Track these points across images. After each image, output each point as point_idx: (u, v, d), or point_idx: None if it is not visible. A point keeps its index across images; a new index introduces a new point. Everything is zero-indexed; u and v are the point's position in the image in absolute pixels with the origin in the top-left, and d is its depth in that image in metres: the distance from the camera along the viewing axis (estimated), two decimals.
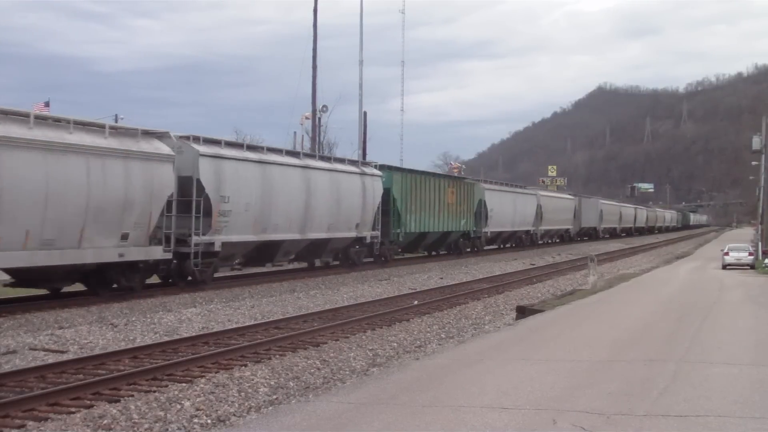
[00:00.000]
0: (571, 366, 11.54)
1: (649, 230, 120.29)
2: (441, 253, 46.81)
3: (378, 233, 36.15)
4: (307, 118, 51.50)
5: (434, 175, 47.41)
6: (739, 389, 9.95)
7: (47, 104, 43.26)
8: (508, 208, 54.90)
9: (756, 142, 50.05)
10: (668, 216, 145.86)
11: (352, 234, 34.04)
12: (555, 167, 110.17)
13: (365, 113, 52.40)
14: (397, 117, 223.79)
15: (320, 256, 34.58)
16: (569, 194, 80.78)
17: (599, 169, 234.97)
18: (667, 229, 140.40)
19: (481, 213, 48.94)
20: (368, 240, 35.41)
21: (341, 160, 35.21)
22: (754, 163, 57.73)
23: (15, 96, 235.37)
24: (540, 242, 64.70)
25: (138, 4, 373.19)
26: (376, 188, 35.60)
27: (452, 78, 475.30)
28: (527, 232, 60.76)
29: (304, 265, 35.02)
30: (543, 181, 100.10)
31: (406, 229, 39.01)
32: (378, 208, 35.87)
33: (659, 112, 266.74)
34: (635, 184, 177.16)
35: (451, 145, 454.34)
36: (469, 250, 48.24)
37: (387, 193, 36.87)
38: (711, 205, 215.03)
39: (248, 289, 25.16)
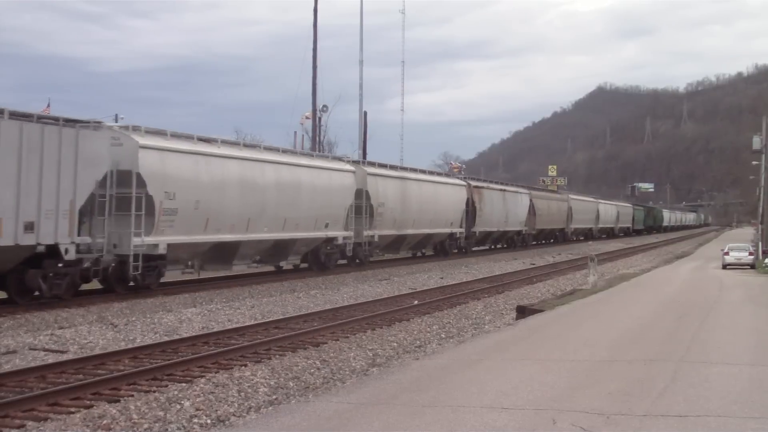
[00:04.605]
0: (571, 366, 11.54)
1: (551, 236, 68.93)
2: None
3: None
4: (307, 117, 51.52)
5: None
6: (738, 389, 9.95)
7: (47, 105, 43.18)
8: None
9: (756, 142, 50.15)
10: (611, 212, 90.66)
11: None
12: (555, 167, 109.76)
13: (365, 113, 52.52)
14: (395, 117, 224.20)
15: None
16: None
17: (599, 169, 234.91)
18: (612, 234, 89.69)
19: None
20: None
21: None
22: (754, 162, 57.84)
23: (13, 96, 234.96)
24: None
25: (133, 4, 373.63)
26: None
27: (449, 78, 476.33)
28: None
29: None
30: (543, 181, 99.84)
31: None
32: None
33: (659, 112, 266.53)
34: (635, 184, 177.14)
35: (451, 144, 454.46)
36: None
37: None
38: (711, 204, 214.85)
39: (248, 289, 25.17)
